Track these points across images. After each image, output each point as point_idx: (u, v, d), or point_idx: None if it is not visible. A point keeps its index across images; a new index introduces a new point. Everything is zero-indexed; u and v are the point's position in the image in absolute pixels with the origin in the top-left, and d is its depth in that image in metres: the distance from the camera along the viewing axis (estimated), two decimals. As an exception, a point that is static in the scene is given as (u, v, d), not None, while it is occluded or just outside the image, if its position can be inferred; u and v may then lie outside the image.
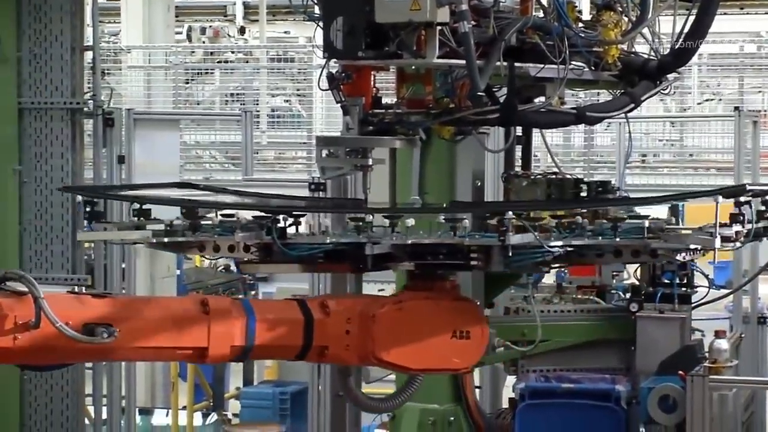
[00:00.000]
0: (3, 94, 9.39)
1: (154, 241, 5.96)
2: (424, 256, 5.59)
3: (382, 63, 5.87)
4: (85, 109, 9.55)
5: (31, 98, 9.37)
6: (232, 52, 22.35)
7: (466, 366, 6.00)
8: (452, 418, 7.42)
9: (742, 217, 5.59)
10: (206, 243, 5.78)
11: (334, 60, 5.84)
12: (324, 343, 5.64)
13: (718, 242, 5.30)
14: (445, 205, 6.84)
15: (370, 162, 5.98)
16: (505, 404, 8.30)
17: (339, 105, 5.97)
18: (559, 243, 5.40)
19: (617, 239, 5.45)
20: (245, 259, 5.81)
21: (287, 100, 21.14)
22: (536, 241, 5.37)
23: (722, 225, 5.46)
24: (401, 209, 6.10)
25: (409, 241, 5.51)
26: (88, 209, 5.81)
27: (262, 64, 20.56)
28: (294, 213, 5.70)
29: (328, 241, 5.56)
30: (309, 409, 9.19)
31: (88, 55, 9.64)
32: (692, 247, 5.40)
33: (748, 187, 5.84)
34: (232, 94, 20.59)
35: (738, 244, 5.63)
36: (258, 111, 18.81)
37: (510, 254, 5.39)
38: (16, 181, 9.35)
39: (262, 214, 5.67)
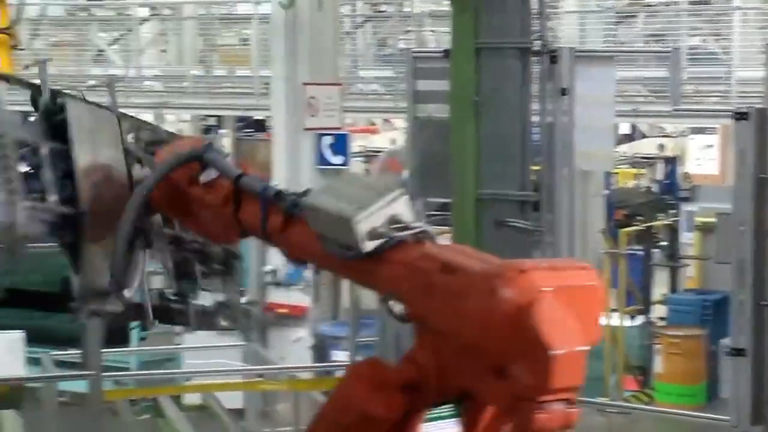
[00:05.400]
0: (464, 36, 9.59)
1: None
2: None
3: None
4: (533, 48, 9.63)
5: (487, 39, 9.52)
6: (658, -4, 22.02)
7: None
8: None
9: None
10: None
11: None
12: None
13: None
14: None
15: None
16: None
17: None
18: None
19: None
20: None
21: (704, 40, 20.64)
22: None
23: None
24: None
25: None
26: None
27: (683, 7, 20.09)
28: None
29: None
30: (730, 316, 8.98)
31: (534, 1, 9.69)
32: None
33: None
34: (652, 35, 20.28)
35: None
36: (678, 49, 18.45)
37: None
38: (475, 111, 9.55)
39: None
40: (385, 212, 3.50)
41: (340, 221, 3.56)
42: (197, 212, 4.10)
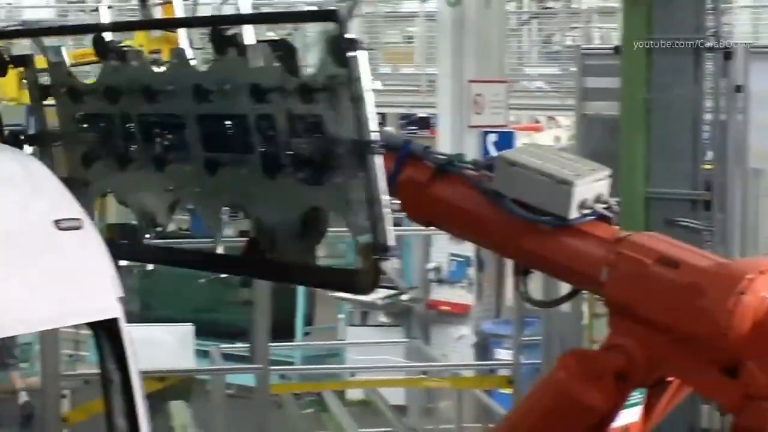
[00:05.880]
0: (635, 32, 9.41)
1: None
2: None
3: None
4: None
5: (660, 35, 9.34)
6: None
7: None
8: None
9: None
10: None
11: None
12: None
13: None
14: None
15: None
16: None
17: None
18: None
19: None
20: None
21: None
22: None
23: None
24: None
25: None
26: None
27: None
28: None
29: None
30: None
31: (709, -3, 9.48)
32: None
33: None
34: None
35: None
36: None
37: None
38: (646, 108, 9.37)
39: None
40: (594, 187, 3.47)
41: (553, 184, 3.49)
42: None
